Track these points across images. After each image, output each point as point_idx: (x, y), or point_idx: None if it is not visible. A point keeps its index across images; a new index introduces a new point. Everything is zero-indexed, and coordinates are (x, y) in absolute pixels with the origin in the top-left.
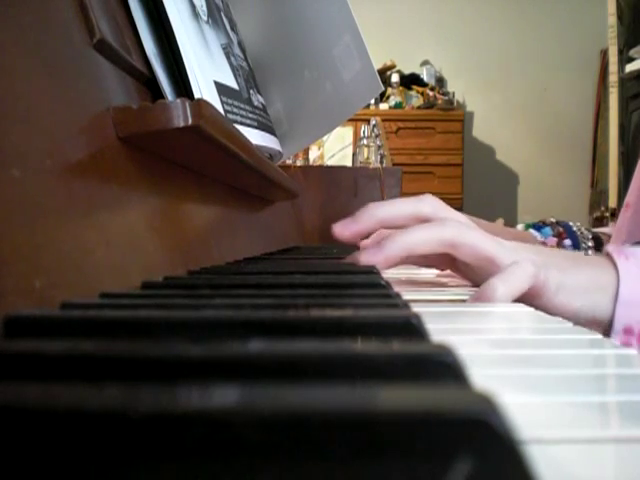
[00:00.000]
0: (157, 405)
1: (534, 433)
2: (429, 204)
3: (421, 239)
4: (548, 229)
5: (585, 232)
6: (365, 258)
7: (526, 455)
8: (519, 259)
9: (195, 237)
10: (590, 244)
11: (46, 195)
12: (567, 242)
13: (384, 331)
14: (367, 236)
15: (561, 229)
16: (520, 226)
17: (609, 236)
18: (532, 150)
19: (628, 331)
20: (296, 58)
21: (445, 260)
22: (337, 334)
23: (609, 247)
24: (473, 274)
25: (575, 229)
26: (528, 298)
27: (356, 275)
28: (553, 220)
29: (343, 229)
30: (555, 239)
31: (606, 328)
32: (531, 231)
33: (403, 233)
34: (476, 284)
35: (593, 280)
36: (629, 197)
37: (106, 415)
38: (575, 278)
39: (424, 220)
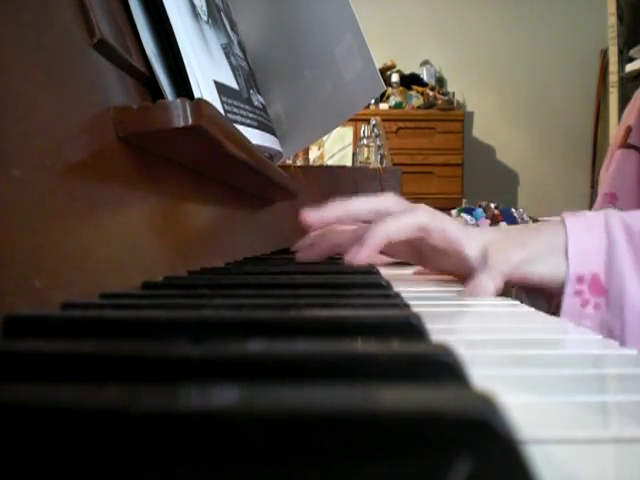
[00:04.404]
0: (157, 405)
1: (534, 433)
2: (392, 199)
3: (398, 226)
4: (480, 210)
5: (526, 218)
6: (352, 256)
7: (526, 455)
8: (481, 242)
9: (195, 237)
10: None
11: (46, 195)
12: (503, 224)
13: (384, 331)
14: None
15: (497, 212)
16: (454, 211)
17: None
18: (532, 150)
19: (580, 279)
20: (297, 58)
21: (411, 250)
22: (337, 334)
23: (564, 213)
24: (437, 260)
25: (516, 215)
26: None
27: (356, 275)
28: (490, 204)
29: (312, 215)
30: (488, 221)
31: None
32: (463, 215)
33: (380, 224)
34: (438, 270)
35: (549, 244)
36: (611, 188)
37: (106, 414)
38: (535, 248)
39: (386, 214)
